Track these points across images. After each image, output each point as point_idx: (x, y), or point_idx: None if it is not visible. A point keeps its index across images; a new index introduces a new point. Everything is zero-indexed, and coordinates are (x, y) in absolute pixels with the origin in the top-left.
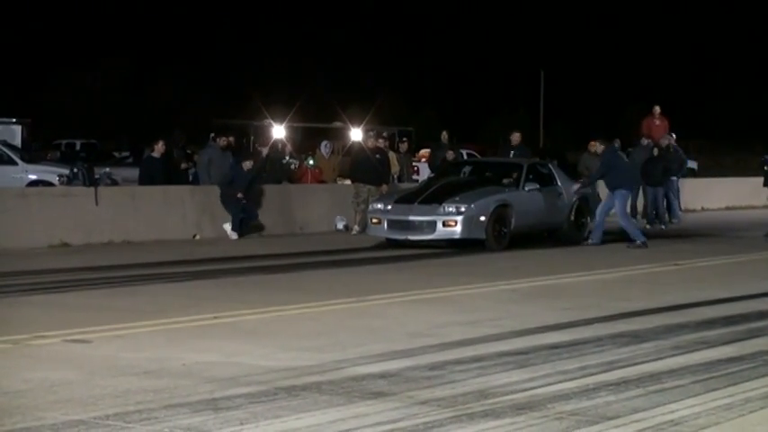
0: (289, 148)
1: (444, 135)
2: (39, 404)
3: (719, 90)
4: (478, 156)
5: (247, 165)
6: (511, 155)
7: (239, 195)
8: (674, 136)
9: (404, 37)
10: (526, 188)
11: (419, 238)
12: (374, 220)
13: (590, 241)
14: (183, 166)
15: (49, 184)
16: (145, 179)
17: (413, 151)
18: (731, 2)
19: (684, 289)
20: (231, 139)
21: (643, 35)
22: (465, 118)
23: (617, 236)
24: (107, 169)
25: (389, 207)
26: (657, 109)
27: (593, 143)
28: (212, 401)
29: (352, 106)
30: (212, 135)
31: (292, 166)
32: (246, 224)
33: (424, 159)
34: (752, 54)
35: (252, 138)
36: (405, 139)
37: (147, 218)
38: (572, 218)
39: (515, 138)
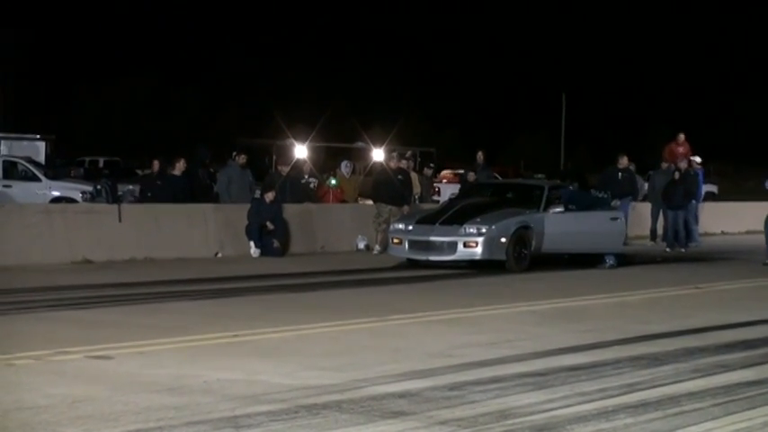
0: (308, 166)
1: (480, 155)
2: (60, 420)
3: (741, 113)
4: (500, 178)
5: (269, 197)
6: (619, 176)
7: (268, 225)
8: (698, 159)
9: (427, 58)
10: (550, 210)
11: (440, 258)
12: (395, 241)
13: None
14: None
15: (73, 200)
16: (167, 197)
17: (434, 172)
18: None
19: (704, 312)
20: (243, 156)
21: (665, 58)
22: (487, 139)
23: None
24: (130, 186)
25: (411, 227)
26: (682, 136)
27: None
28: (233, 419)
29: (373, 126)
30: (234, 153)
31: (311, 185)
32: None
33: (445, 180)
34: None
35: (274, 157)
36: (431, 165)
37: (170, 235)
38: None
39: (623, 161)
